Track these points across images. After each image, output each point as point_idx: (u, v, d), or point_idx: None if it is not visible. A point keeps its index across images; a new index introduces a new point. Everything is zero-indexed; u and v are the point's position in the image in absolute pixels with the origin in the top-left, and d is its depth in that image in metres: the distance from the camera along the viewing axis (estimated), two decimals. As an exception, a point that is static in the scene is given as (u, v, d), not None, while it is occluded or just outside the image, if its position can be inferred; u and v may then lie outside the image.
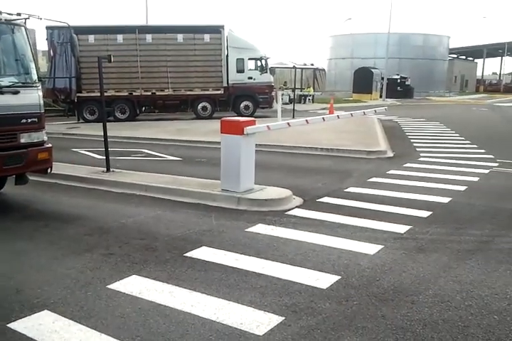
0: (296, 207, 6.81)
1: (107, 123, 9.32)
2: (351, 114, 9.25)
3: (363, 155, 11.30)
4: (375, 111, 10.40)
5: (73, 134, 16.70)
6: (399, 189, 7.88)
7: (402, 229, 5.78)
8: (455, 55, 63.97)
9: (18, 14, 6.71)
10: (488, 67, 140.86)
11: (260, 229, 5.79)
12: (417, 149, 12.48)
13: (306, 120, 7.95)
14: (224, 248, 5.15)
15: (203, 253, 5.03)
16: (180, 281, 4.33)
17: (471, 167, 9.94)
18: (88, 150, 12.56)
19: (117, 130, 16.65)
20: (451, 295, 4.02)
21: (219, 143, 7.30)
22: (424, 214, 6.46)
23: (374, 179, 8.73)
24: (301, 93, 32.70)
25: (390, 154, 11.62)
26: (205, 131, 16.24)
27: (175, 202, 7.19)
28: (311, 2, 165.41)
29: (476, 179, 8.76)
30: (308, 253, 4.99)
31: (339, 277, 4.40)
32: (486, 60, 71.04)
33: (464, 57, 70.13)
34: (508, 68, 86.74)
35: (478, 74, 74.14)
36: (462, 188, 7.99)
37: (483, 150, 12.25)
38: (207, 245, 5.25)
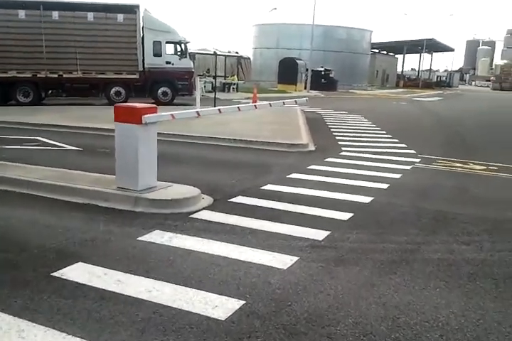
0: (204, 208, 5.91)
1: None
2: (270, 104, 8.50)
3: (284, 148, 10.62)
4: (296, 101, 9.71)
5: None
6: (319, 187, 7.22)
7: (320, 235, 5.07)
8: (377, 50, 65.66)
9: None
10: (408, 63, 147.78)
11: (156, 237, 4.84)
12: (339, 143, 12.02)
13: (219, 109, 7.07)
14: (106, 264, 4.15)
15: (77, 271, 4.00)
16: (37, 314, 3.30)
17: (393, 163, 9.56)
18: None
19: (13, 115, 14.86)
20: (375, 324, 3.33)
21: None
22: (345, 216, 5.81)
23: (294, 175, 8.03)
24: (224, 81, 31.74)
25: (312, 147, 11.04)
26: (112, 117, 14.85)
27: (61, 202, 6.04)
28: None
29: (398, 176, 8.33)
30: (210, 270, 4.12)
31: (243, 302, 3.57)
32: (406, 55, 73.73)
33: (385, 52, 72.30)
34: (426, 64, 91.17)
35: (399, 69, 76.97)
36: (384, 186, 7.49)
37: (404, 145, 12.03)
38: (85, 260, 4.22)
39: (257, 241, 4.83)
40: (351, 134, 13.67)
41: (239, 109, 7.72)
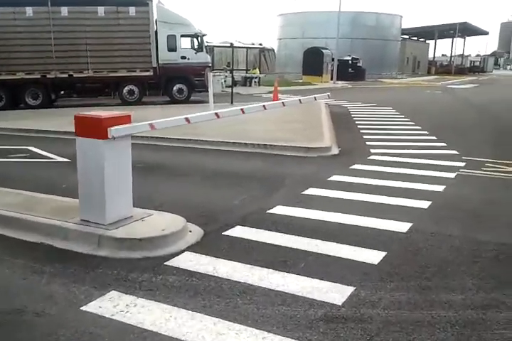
0: (188, 248, 4.53)
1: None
2: (283, 103, 7.12)
3: (302, 152, 9.13)
4: (315, 98, 8.25)
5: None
6: (341, 208, 5.74)
7: (339, 296, 3.61)
8: (407, 36, 62.79)
9: None
10: (439, 49, 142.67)
11: (108, 305, 3.45)
12: (368, 143, 10.43)
13: (217, 113, 5.71)
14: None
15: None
16: None
17: (433, 168, 7.96)
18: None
19: (13, 120, 13.84)
20: None
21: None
22: (375, 257, 4.33)
23: (310, 191, 6.56)
24: (246, 75, 30.27)
25: (335, 151, 9.51)
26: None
27: (12, 240, 4.76)
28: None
29: (440, 188, 6.74)
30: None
31: None
32: (438, 41, 70.51)
33: (415, 38, 69.23)
34: (458, 49, 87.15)
35: (430, 55, 73.72)
36: (424, 205, 5.93)
37: (443, 144, 10.35)
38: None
39: (248, 311, 3.39)
40: (381, 132, 12.04)
41: (242, 111, 6.29)
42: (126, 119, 4.77)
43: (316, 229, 5.04)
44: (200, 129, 10.73)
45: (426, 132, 12.07)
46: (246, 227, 5.07)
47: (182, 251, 4.43)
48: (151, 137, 9.64)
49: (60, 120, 14.01)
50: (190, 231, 4.88)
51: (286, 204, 5.90)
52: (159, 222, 4.86)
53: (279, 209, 5.72)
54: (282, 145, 9.38)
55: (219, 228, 5.05)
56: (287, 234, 4.88)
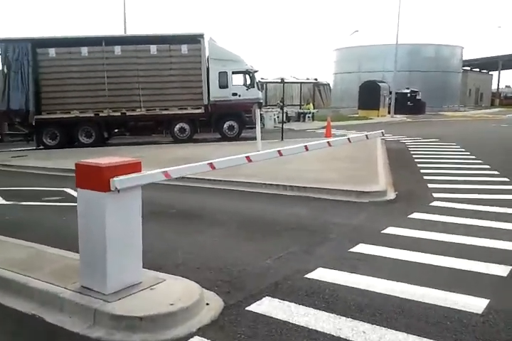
0: (199, 330, 3.64)
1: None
2: (329, 143, 6.29)
3: (353, 197, 8.12)
4: (367, 136, 7.35)
5: (9, 165, 13.71)
6: (398, 274, 4.68)
7: None
8: (468, 67, 60.54)
9: None
10: (503, 80, 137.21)
11: None
12: (429, 185, 9.25)
13: (248, 157, 4.98)
14: None
15: None
16: None
17: (509, 219, 6.70)
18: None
19: (63, 158, 13.74)
20: None
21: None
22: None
23: (360, 247, 5.54)
24: (300, 110, 29.70)
25: (392, 195, 8.40)
26: (167, 158, 13.26)
27: (7, 310, 4.08)
28: (316, 14, 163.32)
29: (522, 247, 5.53)
30: None
31: None
32: (502, 71, 67.49)
33: (477, 69, 66.71)
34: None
35: (493, 86, 70.62)
36: (504, 272, 4.75)
37: (519, 187, 9.01)
38: None
39: None
40: (445, 172, 10.80)
41: (280, 154, 5.50)
42: (134, 167, 4.05)
43: (366, 305, 4.01)
44: (240, 169, 10.00)
45: (496, 172, 10.71)
46: (276, 300, 4.12)
47: (191, 335, 3.54)
48: (188, 178, 8.99)
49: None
50: (208, 304, 4.01)
51: (330, 267, 4.92)
52: (170, 292, 4.02)
53: (321, 273, 4.74)
54: (331, 189, 8.41)
55: (243, 299, 4.14)
56: (326, 311, 3.89)
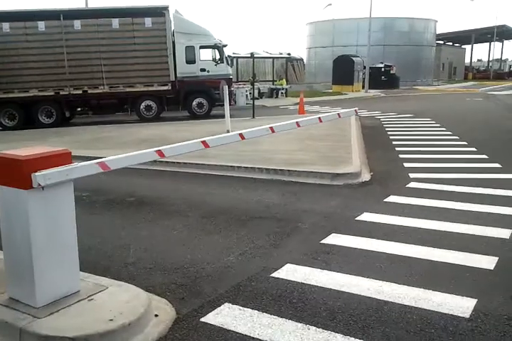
0: (145, 349, 3.09)
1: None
2: (298, 123, 5.72)
3: (327, 180, 7.60)
4: (339, 115, 6.77)
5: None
6: (373, 270, 4.19)
7: None
8: (442, 41, 60.30)
9: None
10: (475, 54, 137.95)
11: None
12: (405, 165, 8.81)
13: (203, 141, 4.38)
14: None
15: None
16: None
17: (492, 201, 6.28)
18: None
19: (12, 141, 12.79)
20: None
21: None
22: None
23: (332, 238, 5.03)
24: (272, 86, 28.93)
25: (367, 177, 7.91)
26: (130, 139, 12.49)
27: None
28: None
29: (508, 233, 5.10)
30: None
31: None
32: (474, 45, 67.65)
33: (451, 43, 66.59)
34: (496, 54, 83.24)
35: (466, 60, 70.88)
36: (491, 265, 4.30)
37: (498, 165, 8.63)
38: None
39: None
40: (421, 149, 10.38)
41: (242, 138, 4.90)
42: (62, 158, 3.38)
43: (338, 309, 3.51)
44: (208, 149, 9.34)
45: (474, 149, 10.33)
46: (237, 307, 3.58)
47: (133, 357, 2.99)
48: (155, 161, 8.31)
49: (65, 139, 12.94)
50: (156, 316, 3.44)
51: (299, 263, 4.39)
52: (111, 303, 3.42)
53: (289, 271, 4.21)
54: (302, 171, 7.86)
55: (199, 308, 3.58)
56: (294, 320, 3.37)
